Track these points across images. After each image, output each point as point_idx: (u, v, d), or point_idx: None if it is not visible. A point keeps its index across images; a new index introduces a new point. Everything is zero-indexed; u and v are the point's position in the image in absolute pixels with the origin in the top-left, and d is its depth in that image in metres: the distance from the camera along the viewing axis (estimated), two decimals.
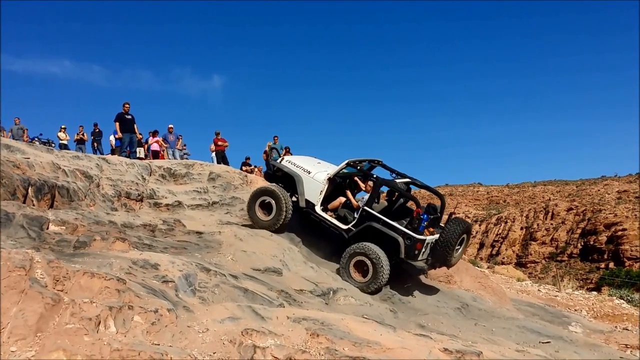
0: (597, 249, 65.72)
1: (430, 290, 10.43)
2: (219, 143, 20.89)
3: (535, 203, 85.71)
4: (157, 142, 20.72)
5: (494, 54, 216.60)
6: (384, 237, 9.26)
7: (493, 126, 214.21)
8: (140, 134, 19.95)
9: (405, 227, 9.29)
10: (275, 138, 21.13)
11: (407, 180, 10.39)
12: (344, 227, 9.71)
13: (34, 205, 8.42)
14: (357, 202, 10.15)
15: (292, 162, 10.49)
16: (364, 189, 10.30)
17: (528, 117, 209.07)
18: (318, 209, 9.97)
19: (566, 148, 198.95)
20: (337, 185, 10.42)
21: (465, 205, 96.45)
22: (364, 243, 9.21)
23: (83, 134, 21.87)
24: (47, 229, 7.23)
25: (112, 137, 20.00)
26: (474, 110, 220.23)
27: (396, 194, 10.25)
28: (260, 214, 10.05)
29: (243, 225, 10.28)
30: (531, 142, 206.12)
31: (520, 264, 66.56)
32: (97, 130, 21.84)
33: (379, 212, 9.55)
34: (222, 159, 20.37)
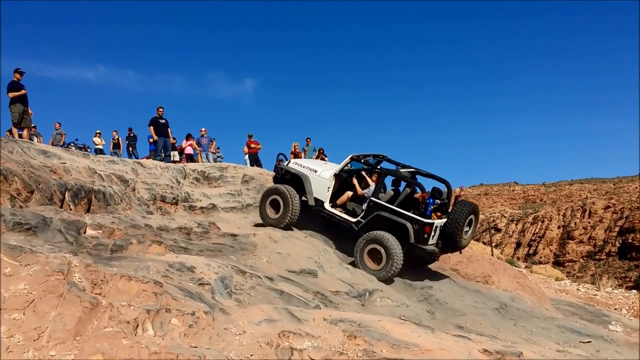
0: (636, 247, 64.11)
1: (468, 290, 10.27)
2: (252, 145, 21.00)
3: (572, 201, 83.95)
4: (191, 145, 20.92)
5: (526, 51, 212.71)
6: (393, 224, 9.45)
7: (528, 124, 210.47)
8: (174, 138, 20.16)
9: (413, 212, 9.45)
10: (308, 140, 21.11)
11: (412, 170, 10.65)
12: (354, 220, 9.97)
13: (71, 209, 8.53)
14: (362, 190, 10.35)
15: (298, 164, 10.94)
16: (372, 182, 10.34)
17: (564, 115, 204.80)
18: (327, 205, 10.28)
19: (603, 146, 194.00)
20: (343, 180, 10.72)
21: (501, 205, 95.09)
22: (376, 231, 9.40)
23: (118, 139, 22.19)
24: (84, 233, 7.30)
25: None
26: (509, 108, 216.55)
27: (401, 182, 10.45)
28: (269, 211, 10.44)
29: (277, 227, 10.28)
30: (567, 140, 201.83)
31: (557, 263, 65.36)
32: (132, 134, 22.13)
33: (386, 202, 9.76)
34: (255, 161, 20.47)
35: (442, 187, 10.26)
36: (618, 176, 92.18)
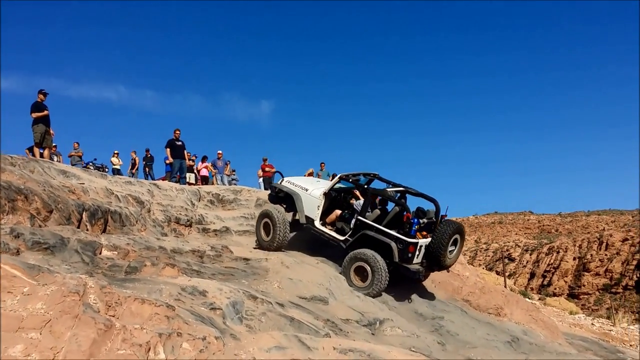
0: None
1: (479, 322, 10.21)
2: (267, 169, 21.14)
3: (589, 233, 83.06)
4: (206, 167, 21.15)
5: (543, 83, 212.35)
6: (379, 243, 9.58)
7: (545, 153, 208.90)
8: (191, 159, 20.40)
9: (398, 232, 9.56)
10: (322, 165, 21.22)
11: (401, 189, 10.81)
12: (342, 238, 10.13)
13: (87, 230, 8.66)
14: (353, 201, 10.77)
15: (291, 182, 11.18)
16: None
17: (581, 145, 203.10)
18: (317, 223, 10.49)
19: (622, 176, 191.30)
20: (333, 199, 10.95)
21: (516, 234, 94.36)
22: (362, 249, 9.55)
23: (135, 159, 22.48)
24: (100, 253, 7.41)
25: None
26: (525, 137, 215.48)
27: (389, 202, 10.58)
28: (263, 234, 10.60)
29: (289, 252, 10.34)
30: (585, 169, 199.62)
31: (572, 295, 64.46)
32: (149, 155, 22.41)
33: (372, 221, 9.88)
34: (269, 185, 20.54)
35: (431, 207, 10.43)
36: (637, 208, 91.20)
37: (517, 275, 74.23)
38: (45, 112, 13.11)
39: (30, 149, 15.65)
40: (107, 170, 21.01)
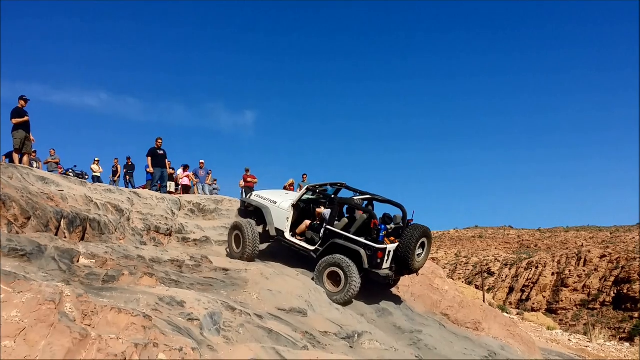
0: (631, 297, 63.84)
1: (457, 337, 10.26)
2: (248, 179, 21.17)
3: (567, 249, 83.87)
4: (187, 176, 21.09)
5: (527, 89, 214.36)
6: (348, 251, 9.73)
7: (525, 168, 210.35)
8: (172, 168, 20.32)
9: (366, 238, 9.71)
10: (304, 176, 21.24)
11: (368, 197, 11.04)
12: (312, 248, 10.29)
13: (65, 237, 8.57)
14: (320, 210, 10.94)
15: (259, 196, 11.37)
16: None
17: (562, 160, 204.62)
18: (287, 235, 10.66)
19: (602, 193, 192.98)
20: (302, 210, 11.13)
21: (495, 249, 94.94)
22: (337, 255, 9.69)
23: (117, 167, 22.36)
24: (78, 262, 7.33)
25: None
26: (505, 150, 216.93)
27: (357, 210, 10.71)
28: (234, 246, 10.75)
29: (269, 264, 10.32)
30: (565, 185, 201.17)
31: (550, 311, 64.96)
32: (130, 163, 22.29)
33: (341, 229, 10.06)
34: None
35: (398, 212, 10.65)
36: (615, 225, 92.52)
37: (496, 290, 74.66)
38: (26, 118, 13.01)
39: (8, 155, 15.50)
40: (87, 177, 20.83)
